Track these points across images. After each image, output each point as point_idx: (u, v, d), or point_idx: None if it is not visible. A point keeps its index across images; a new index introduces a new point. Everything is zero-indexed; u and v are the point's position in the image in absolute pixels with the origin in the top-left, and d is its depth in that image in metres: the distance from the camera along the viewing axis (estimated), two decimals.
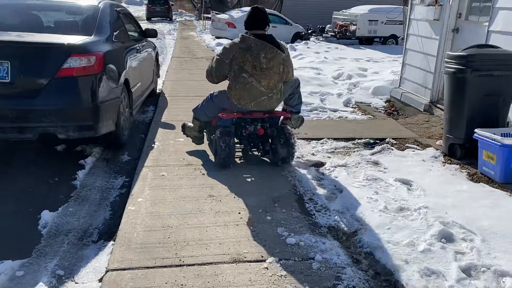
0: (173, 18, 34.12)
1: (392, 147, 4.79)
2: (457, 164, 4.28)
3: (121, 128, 4.60)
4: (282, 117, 4.35)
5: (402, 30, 19.75)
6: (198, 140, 4.51)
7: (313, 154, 4.58)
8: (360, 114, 6.49)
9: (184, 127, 4.63)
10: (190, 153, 4.41)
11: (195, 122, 4.42)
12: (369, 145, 4.92)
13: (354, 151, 4.67)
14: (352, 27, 19.13)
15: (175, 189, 3.55)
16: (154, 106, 6.64)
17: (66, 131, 3.93)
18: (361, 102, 7.16)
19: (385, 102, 7.23)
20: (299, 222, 3.06)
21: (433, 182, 3.82)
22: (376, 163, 4.30)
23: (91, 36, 4.34)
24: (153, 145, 4.60)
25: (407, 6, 7.94)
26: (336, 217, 3.17)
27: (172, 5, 35.66)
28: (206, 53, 13.30)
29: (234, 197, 3.44)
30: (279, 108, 4.51)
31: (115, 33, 4.85)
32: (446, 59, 4.45)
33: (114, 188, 3.79)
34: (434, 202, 3.36)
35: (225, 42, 16.21)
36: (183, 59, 11.61)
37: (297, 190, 3.61)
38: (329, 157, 4.49)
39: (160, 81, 8.53)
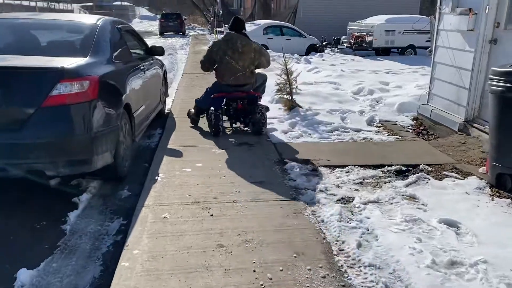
0: (186, 32, 34.04)
1: (428, 176, 4.18)
2: (509, 198, 3.65)
3: (121, 159, 4.10)
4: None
5: (420, 40, 19.20)
6: (194, 122, 6.20)
7: (338, 186, 4.00)
8: (386, 134, 5.89)
9: (189, 113, 6.33)
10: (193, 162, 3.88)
11: (196, 108, 6.15)
12: (401, 174, 4.32)
13: (385, 182, 4.08)
14: (369, 38, 18.56)
15: (178, 236, 3.01)
16: (161, 128, 6.15)
17: (55, 167, 3.44)
18: (386, 121, 6.57)
19: (413, 120, 6.61)
20: (329, 285, 2.48)
21: (484, 224, 3.20)
22: (412, 198, 3.70)
23: (86, 57, 3.87)
24: (156, 178, 4.08)
25: (434, 16, 7.35)
26: (373, 275, 2.58)
27: (185, 19, 35.56)
28: None
29: (247, 246, 2.88)
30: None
31: (115, 53, 4.38)
32: (491, 76, 3.85)
33: (109, 234, 3.26)
34: (493, 254, 2.74)
35: None
36: (194, 75, 11.17)
37: (323, 237, 3.03)
38: (357, 190, 3.90)
39: (169, 100, 8.08)
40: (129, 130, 4.41)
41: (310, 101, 7.28)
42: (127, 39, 5.11)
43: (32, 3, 35.74)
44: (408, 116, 6.77)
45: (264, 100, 7.17)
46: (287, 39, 17.95)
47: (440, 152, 5.02)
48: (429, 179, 4.10)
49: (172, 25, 31.22)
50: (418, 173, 4.24)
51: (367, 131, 6.04)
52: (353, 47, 18.75)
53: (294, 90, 6.87)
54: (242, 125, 5.96)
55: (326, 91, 8.00)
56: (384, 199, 3.65)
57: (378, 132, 6.04)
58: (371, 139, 5.63)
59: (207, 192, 3.76)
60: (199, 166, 4.44)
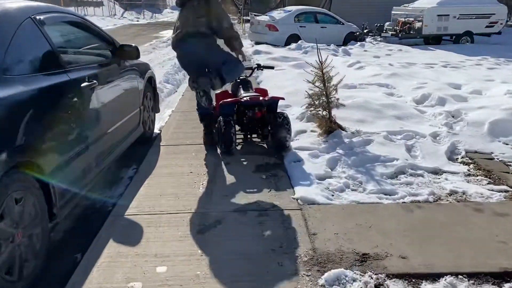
0: None
1: None
2: None
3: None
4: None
5: (479, 25, 16.38)
6: (208, 139, 4.69)
7: None
8: (484, 181, 3.67)
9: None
10: None
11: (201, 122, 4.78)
12: None
13: None
14: (417, 24, 15.98)
15: None
16: (137, 165, 4.16)
17: None
18: (476, 151, 4.32)
19: None
20: None
21: None
22: None
23: None
24: None
25: None
26: None
27: None
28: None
29: None
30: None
31: (15, 63, 2.40)
32: None
33: None
34: None
35: (265, 48, 13.71)
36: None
37: None
38: None
39: (168, 112, 6.09)
40: (35, 211, 2.40)
41: (357, 118, 5.08)
42: (57, 37, 3.11)
43: None
44: (508, 144, 4.48)
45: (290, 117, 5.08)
46: (322, 27, 15.63)
47: None
48: None
49: None
50: None
51: (452, 173, 3.83)
52: (399, 35, 16.20)
53: (334, 103, 4.70)
54: (258, 138, 4.72)
55: (377, 100, 5.77)
56: None
57: (470, 175, 3.81)
58: (463, 193, 3.41)
59: None
60: (162, 274, 2.40)
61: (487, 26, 16.23)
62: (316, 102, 4.71)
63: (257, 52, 12.19)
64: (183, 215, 3.07)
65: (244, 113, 4.38)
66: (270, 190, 3.44)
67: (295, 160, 4.05)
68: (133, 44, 4.13)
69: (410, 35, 16.22)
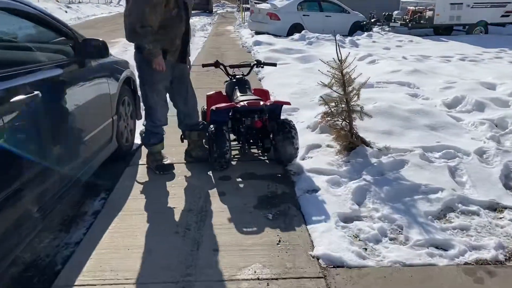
0: (214, 10, 31.23)
1: None
2: None
3: None
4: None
5: (494, 14, 15.33)
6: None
7: None
8: None
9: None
10: None
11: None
12: None
13: None
14: (429, 13, 14.95)
15: None
16: (106, 194, 3.24)
17: None
18: None
19: None
20: None
21: None
22: None
23: None
24: None
25: None
26: None
27: None
28: (240, 56, 9.77)
29: None
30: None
31: None
32: None
33: None
34: None
35: (266, 39, 12.67)
36: (206, 69, 8.11)
37: None
38: None
39: None
40: None
41: (382, 128, 4.15)
42: None
43: None
44: None
45: (300, 128, 4.19)
46: (327, 16, 14.58)
47: None
48: None
49: (198, 2, 28.14)
50: None
51: None
52: (409, 25, 15.17)
53: (354, 112, 3.74)
54: (258, 151, 3.84)
55: (402, 104, 4.82)
56: None
57: None
58: None
59: None
60: None
61: (502, 16, 15.22)
62: (334, 110, 3.76)
63: (257, 43, 11.19)
64: None
65: (241, 120, 3.51)
66: (279, 242, 2.51)
67: (309, 189, 3.13)
68: (100, 39, 3.18)
69: (420, 25, 15.20)
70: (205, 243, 2.52)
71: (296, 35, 12.51)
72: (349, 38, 12.75)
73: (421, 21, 15.17)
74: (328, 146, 3.85)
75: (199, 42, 13.40)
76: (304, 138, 3.95)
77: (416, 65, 7.64)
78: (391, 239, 2.57)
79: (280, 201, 3.01)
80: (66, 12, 22.86)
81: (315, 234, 2.57)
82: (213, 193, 3.14)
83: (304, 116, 4.79)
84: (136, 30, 3.08)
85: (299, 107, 5.23)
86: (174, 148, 3.96)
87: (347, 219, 2.75)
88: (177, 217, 2.81)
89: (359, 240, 2.54)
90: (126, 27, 3.14)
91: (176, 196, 3.10)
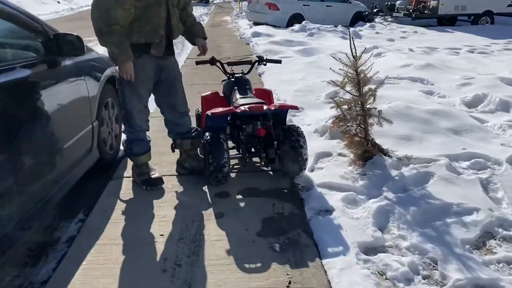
0: (210, 0, 30.73)
1: None
2: None
3: None
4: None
5: (500, 3, 14.80)
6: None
7: None
8: None
9: None
10: None
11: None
12: None
13: None
14: (433, 3, 14.44)
15: None
16: (84, 214, 2.78)
17: None
18: None
19: None
20: None
21: None
22: None
23: None
24: None
25: None
26: None
27: None
28: (238, 49, 9.26)
29: None
30: None
31: None
32: None
33: None
34: None
35: (266, 30, 12.10)
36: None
37: None
38: None
39: None
40: None
41: (400, 133, 3.67)
42: None
43: None
44: None
45: (306, 131, 3.75)
46: (328, 6, 14.06)
47: None
48: None
49: None
50: None
51: None
52: (413, 15, 14.67)
53: (371, 116, 3.27)
54: (262, 162, 3.36)
55: (419, 104, 4.35)
56: None
57: None
58: None
59: None
60: None
61: (509, 5, 14.71)
62: (346, 114, 3.29)
63: (256, 34, 10.66)
64: None
65: (241, 127, 3.03)
66: (289, 284, 2.05)
67: (321, 210, 2.67)
68: (74, 34, 2.69)
69: (424, 15, 14.71)
70: (198, 284, 2.06)
71: (296, 26, 11.99)
72: (352, 29, 12.24)
73: (425, 11, 14.68)
74: (340, 154, 3.39)
75: None
76: (312, 144, 3.48)
77: (427, 58, 7.15)
78: (424, 277, 2.11)
79: (288, 225, 2.54)
80: (58, 2, 22.21)
81: (332, 272, 2.12)
82: (209, 215, 2.67)
83: (311, 118, 4.31)
84: (102, 30, 2.59)
85: (304, 106, 4.75)
86: (164, 156, 3.49)
87: (369, 250, 2.30)
88: (165, 248, 2.35)
89: (386, 278, 2.09)
90: (93, 26, 2.64)
91: (165, 220, 2.63)
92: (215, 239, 2.41)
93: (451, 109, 4.31)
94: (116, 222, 2.63)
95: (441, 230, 2.43)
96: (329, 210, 2.65)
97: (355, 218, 2.53)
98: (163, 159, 3.46)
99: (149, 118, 3.07)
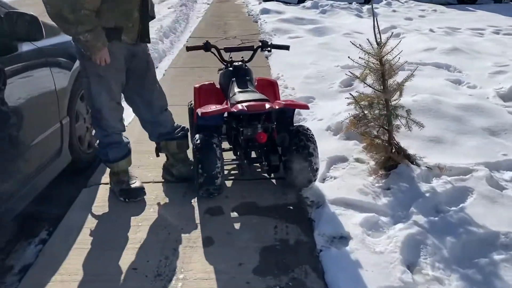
0: None
1: None
2: None
3: None
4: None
5: None
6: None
7: None
8: None
9: None
10: None
11: None
12: None
13: None
14: None
15: None
16: (48, 233, 2.30)
17: None
18: None
19: None
20: None
21: None
22: None
23: None
24: None
25: None
26: None
27: None
28: (246, 27, 8.62)
29: None
30: None
31: None
32: None
33: None
34: None
35: (275, 6, 11.38)
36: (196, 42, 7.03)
37: None
38: None
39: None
40: None
41: (428, 134, 3.09)
42: None
43: None
44: None
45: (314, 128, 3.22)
46: None
47: None
48: None
49: None
50: None
51: None
52: None
53: (397, 117, 2.70)
54: (260, 165, 2.84)
55: (448, 97, 3.77)
56: None
57: None
58: None
59: None
60: None
61: None
62: (367, 114, 2.73)
63: (265, 11, 9.97)
64: None
65: (239, 129, 2.48)
66: None
67: (335, 236, 2.16)
68: (30, 13, 2.15)
69: None
70: None
71: (308, 2, 11.25)
72: (367, 6, 11.49)
73: None
74: (357, 160, 2.85)
75: (201, 10, 12.21)
76: (325, 146, 2.95)
77: (452, 41, 6.48)
78: None
79: (294, 259, 2.03)
80: None
81: None
82: (195, 240, 2.16)
83: (323, 111, 3.76)
84: (67, 18, 2.03)
85: (315, 96, 4.20)
86: (152, 157, 2.96)
87: None
88: None
89: None
90: (49, 13, 2.08)
91: (141, 245, 2.13)
92: (200, 277, 1.91)
93: (485, 103, 3.73)
94: (82, 247, 2.13)
95: (487, 271, 1.91)
96: (344, 238, 2.14)
97: (378, 252, 2.01)
98: (149, 161, 2.95)
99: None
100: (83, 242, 2.17)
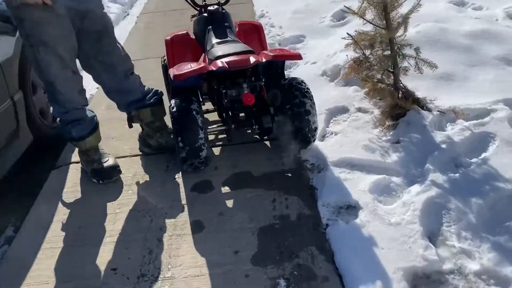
0: None
1: None
2: None
3: None
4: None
5: None
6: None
7: None
8: None
9: None
10: None
11: None
12: None
13: None
14: None
15: None
16: (14, 228, 2.00)
17: None
18: None
19: None
20: None
21: None
22: None
23: None
24: None
25: None
26: None
27: None
28: None
29: None
30: None
31: None
32: None
33: None
34: None
35: None
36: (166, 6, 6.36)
37: None
38: None
39: None
40: None
41: (437, 71, 2.68)
42: None
43: None
44: None
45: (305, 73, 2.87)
46: None
47: None
48: None
49: None
50: None
51: None
52: None
53: (404, 57, 2.32)
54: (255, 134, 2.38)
55: (454, 24, 3.36)
56: None
57: None
58: None
59: None
60: None
61: None
62: (369, 54, 2.35)
63: None
64: None
65: (221, 90, 2.09)
66: None
67: (342, 206, 1.87)
68: None
69: None
70: None
71: None
72: None
73: None
74: (359, 110, 2.51)
75: None
76: (321, 95, 2.60)
77: None
78: None
79: (297, 239, 1.75)
80: None
81: None
82: (182, 226, 1.88)
83: (316, 52, 3.36)
84: None
85: (306, 33, 3.78)
86: (127, 125, 2.59)
87: (421, 281, 1.53)
88: None
89: None
90: None
91: (120, 238, 1.84)
92: (191, 273, 1.64)
93: (495, 27, 3.32)
94: (52, 246, 1.85)
95: None
96: (353, 207, 1.85)
97: (394, 224, 1.73)
98: (124, 130, 2.58)
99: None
100: (53, 240, 1.88)
